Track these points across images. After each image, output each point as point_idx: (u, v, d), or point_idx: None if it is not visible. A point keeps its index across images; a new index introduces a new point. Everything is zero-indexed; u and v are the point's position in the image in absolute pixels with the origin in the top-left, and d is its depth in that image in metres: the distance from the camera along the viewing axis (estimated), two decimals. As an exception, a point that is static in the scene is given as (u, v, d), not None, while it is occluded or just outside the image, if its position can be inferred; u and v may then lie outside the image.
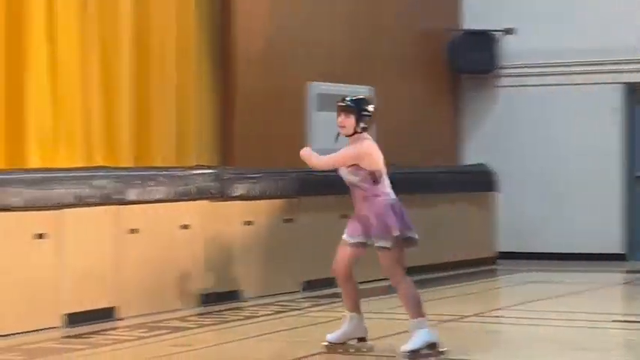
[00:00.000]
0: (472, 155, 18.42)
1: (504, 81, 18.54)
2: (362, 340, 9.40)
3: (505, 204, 17.52)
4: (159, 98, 13.68)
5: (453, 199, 16.46)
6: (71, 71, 12.57)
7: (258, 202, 13.11)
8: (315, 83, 15.78)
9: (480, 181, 17.22)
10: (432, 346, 9.09)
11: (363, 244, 9.33)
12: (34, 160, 12.01)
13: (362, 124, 9.17)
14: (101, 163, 12.72)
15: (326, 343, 9.31)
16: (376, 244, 9.16)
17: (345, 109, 9.14)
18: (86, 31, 12.78)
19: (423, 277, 14.97)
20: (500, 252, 17.47)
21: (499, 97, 18.64)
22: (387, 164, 9.38)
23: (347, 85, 16.27)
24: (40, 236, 10.61)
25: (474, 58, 18.39)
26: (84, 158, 12.65)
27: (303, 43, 15.60)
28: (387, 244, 9.08)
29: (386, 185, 9.28)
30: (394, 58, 17.39)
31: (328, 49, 16.04)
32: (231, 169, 13.39)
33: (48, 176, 10.92)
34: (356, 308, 9.42)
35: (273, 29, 15.18)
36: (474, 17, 18.53)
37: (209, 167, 13.17)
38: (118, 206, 11.41)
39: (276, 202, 13.39)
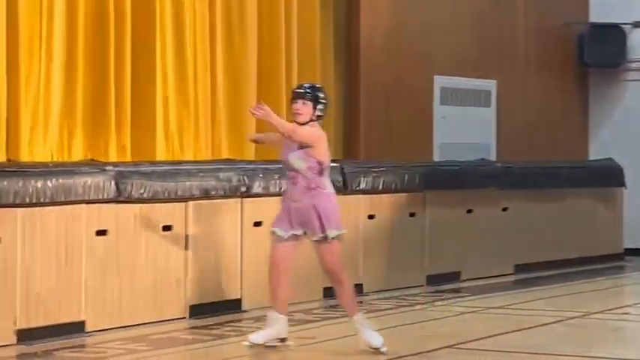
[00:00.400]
0: (599, 150, 18.18)
1: (633, 75, 18.27)
2: (283, 340, 9.24)
3: (631, 200, 17.27)
4: (283, 93, 13.75)
5: (580, 194, 16.27)
6: (199, 70, 12.73)
7: (381, 195, 13.10)
8: (440, 77, 15.73)
9: (606, 177, 16.99)
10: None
11: (298, 237, 9.12)
12: (160, 154, 12.19)
13: (317, 112, 8.89)
14: (227, 157, 12.86)
15: (248, 344, 9.08)
16: (329, 235, 8.90)
17: (302, 96, 8.89)
18: (214, 30, 12.92)
19: (550, 272, 14.89)
20: (626, 249, 17.23)
21: (627, 91, 18.38)
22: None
23: (470, 79, 16.23)
24: (168, 228, 10.76)
25: (602, 52, 18.15)
26: (210, 151, 12.80)
27: (427, 38, 15.56)
28: (339, 234, 8.93)
29: (328, 180, 9.12)
30: (520, 51, 17.26)
31: (452, 44, 15.97)
32: (356, 162, 13.42)
33: (175, 169, 11.06)
34: (286, 309, 9.27)
35: (397, 24, 15.17)
36: (601, 10, 18.28)
37: (334, 161, 13.18)
38: (242, 199, 11.50)
39: (400, 196, 13.36)
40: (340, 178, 12.56)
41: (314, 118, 8.87)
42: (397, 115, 15.03)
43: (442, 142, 15.80)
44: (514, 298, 12.61)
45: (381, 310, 11.56)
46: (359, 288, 12.63)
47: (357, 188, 12.76)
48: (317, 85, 9.06)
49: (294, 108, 8.84)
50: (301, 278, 11.98)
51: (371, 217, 12.97)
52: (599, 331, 10.69)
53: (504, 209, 14.81)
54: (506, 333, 10.07)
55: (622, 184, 17.15)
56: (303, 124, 8.84)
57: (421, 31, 15.48)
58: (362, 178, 12.84)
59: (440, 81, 15.75)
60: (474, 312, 11.65)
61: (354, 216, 12.72)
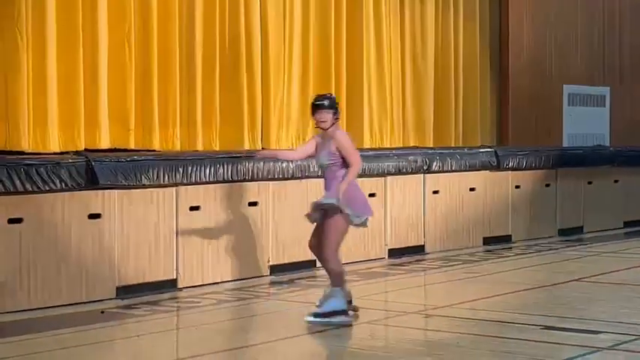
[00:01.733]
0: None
1: None
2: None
3: None
4: (453, 97, 13.67)
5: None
6: (395, 79, 12.76)
7: (524, 172, 12.89)
8: (568, 85, 15.38)
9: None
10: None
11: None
12: (367, 142, 12.27)
13: (336, 117, 7.44)
14: (413, 144, 12.86)
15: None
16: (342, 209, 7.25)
17: (321, 107, 7.40)
18: (404, 47, 12.92)
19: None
20: None
21: None
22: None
23: (589, 87, 15.81)
24: (372, 195, 10.80)
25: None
26: (401, 140, 12.83)
27: (558, 55, 15.22)
28: (350, 214, 7.27)
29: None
30: (629, 64, 16.68)
31: (577, 58, 15.58)
32: (506, 147, 13.24)
33: (377, 154, 11.11)
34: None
35: (536, 46, 14.89)
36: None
37: (490, 147, 13.06)
38: (425, 175, 11.48)
39: (538, 172, 13.12)
40: (495, 159, 12.41)
41: (335, 121, 7.45)
42: (537, 113, 14.76)
43: (570, 133, 15.45)
44: (624, 245, 12.28)
45: (525, 254, 11.41)
46: (508, 238, 12.49)
47: (507, 166, 12.59)
48: (330, 95, 7.58)
49: (317, 118, 7.41)
50: (463, 229, 11.93)
51: (517, 187, 12.79)
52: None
53: (615, 181, 14.39)
54: (618, 270, 9.82)
55: None
56: (326, 129, 7.39)
57: (553, 52, 15.15)
58: (510, 159, 12.67)
59: (568, 88, 15.39)
60: (594, 255, 11.40)
61: (505, 186, 12.58)
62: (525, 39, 14.71)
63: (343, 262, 8.46)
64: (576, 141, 15.33)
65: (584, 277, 9.31)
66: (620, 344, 6.23)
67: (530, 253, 11.52)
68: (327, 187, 7.38)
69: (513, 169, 12.71)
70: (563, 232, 13.33)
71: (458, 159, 11.91)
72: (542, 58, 14.99)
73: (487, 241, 12.22)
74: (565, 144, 15.23)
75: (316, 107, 7.41)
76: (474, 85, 14.00)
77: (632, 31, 16.72)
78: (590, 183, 13.91)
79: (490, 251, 11.61)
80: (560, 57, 15.28)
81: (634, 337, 6.41)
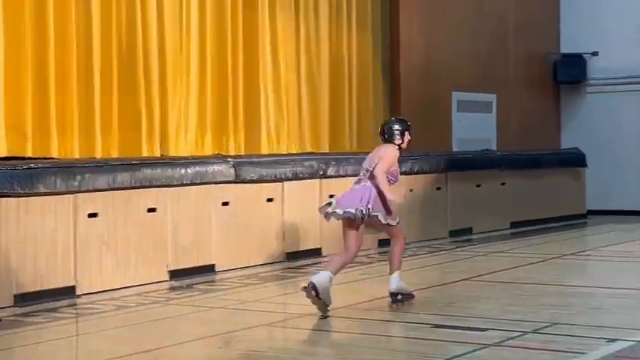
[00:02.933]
0: (568, 141, 18.00)
1: (591, 89, 18.06)
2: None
3: (591, 176, 17.08)
4: (347, 103, 13.75)
5: (555, 173, 16.11)
6: (290, 87, 12.76)
7: (417, 176, 13.05)
8: (457, 92, 15.65)
9: (574, 160, 16.80)
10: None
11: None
12: (264, 148, 12.23)
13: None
14: (309, 150, 12.89)
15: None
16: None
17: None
18: (299, 53, 12.93)
19: (533, 227, 14.78)
20: (588, 210, 17.04)
21: (587, 100, 18.15)
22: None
23: (477, 94, 16.12)
24: (270, 200, 10.80)
25: (570, 73, 17.95)
26: (298, 146, 12.84)
27: (448, 64, 15.48)
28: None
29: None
30: (514, 73, 17.10)
31: (465, 67, 15.87)
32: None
33: (274, 159, 11.09)
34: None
35: (426, 53, 15.10)
36: (569, 44, 18.10)
37: (383, 152, 13.16)
38: (321, 180, 11.51)
39: (430, 176, 13.31)
40: (388, 164, 12.52)
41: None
42: (428, 119, 14.95)
43: (459, 138, 15.72)
44: (510, 245, 12.55)
45: (417, 255, 11.54)
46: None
47: (400, 171, 12.68)
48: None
49: (406, 139, 7.96)
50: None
51: (410, 190, 12.92)
52: (570, 267, 10.61)
53: (502, 184, 14.71)
54: (505, 269, 10.02)
55: (584, 165, 16.95)
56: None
57: (443, 59, 15.40)
58: (403, 164, 12.77)
59: (457, 95, 15.66)
60: (482, 255, 11.62)
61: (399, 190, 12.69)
62: (416, 46, 14.90)
63: (240, 267, 8.44)
64: (465, 146, 15.61)
65: (473, 277, 9.46)
66: (507, 340, 6.36)
67: (422, 253, 11.66)
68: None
69: (406, 173, 12.83)
70: (453, 233, 13.54)
71: (353, 163, 11.97)
72: (433, 65, 15.22)
73: (382, 243, 12.30)
74: (455, 149, 15.48)
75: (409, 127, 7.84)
76: (368, 91, 14.11)
77: (517, 40, 17.15)
78: (478, 186, 14.18)
79: (384, 253, 11.67)
80: (450, 64, 15.54)
81: (520, 334, 6.54)
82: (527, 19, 17.42)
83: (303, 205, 11.16)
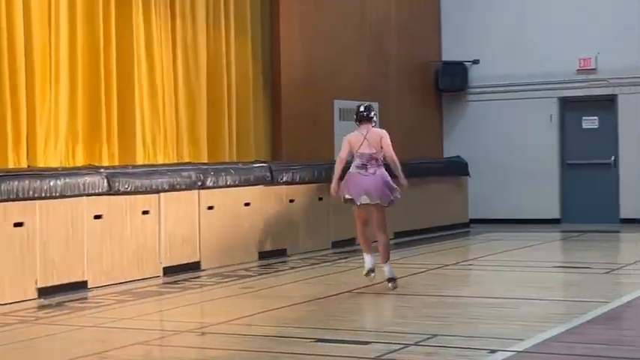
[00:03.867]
0: (450, 149, 18.37)
1: (472, 97, 18.48)
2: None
3: (473, 184, 17.47)
4: (227, 112, 13.66)
5: (438, 181, 16.41)
6: (167, 93, 12.59)
7: (298, 186, 13.08)
8: (338, 100, 15.76)
9: (456, 168, 17.16)
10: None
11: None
12: (140, 158, 12.04)
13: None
14: (188, 160, 12.75)
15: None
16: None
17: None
18: (176, 59, 12.77)
19: (416, 237, 14.99)
20: (471, 219, 17.41)
21: (469, 108, 18.57)
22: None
23: (360, 102, 16.24)
24: (146, 212, 10.64)
25: (451, 81, 18.34)
26: (175, 156, 12.68)
27: (329, 72, 15.58)
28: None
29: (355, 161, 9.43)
30: (396, 82, 17.35)
31: (347, 76, 16.01)
32: (279, 162, 13.39)
33: (150, 170, 10.93)
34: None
35: (307, 61, 15.16)
36: (450, 52, 18.48)
37: (264, 162, 13.17)
38: (199, 190, 11.41)
39: (311, 186, 13.35)
40: (269, 174, 12.53)
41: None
42: (309, 128, 15.02)
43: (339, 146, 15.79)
44: (394, 256, 12.58)
45: (300, 267, 11.54)
46: (283, 252, 12.63)
47: (281, 181, 12.74)
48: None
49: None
50: (239, 244, 11.97)
51: (291, 201, 12.96)
52: (452, 277, 10.78)
53: (385, 193, 14.84)
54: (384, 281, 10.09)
55: (467, 174, 17.33)
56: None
57: (324, 67, 15.49)
58: (284, 174, 12.83)
59: (338, 103, 15.77)
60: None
61: (279, 201, 12.72)
62: (296, 53, 14.95)
63: (115, 283, 8.23)
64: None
65: (355, 289, 9.49)
66: (389, 353, 6.40)
67: (305, 266, 11.66)
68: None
69: (287, 183, 12.87)
70: (336, 244, 13.61)
71: (232, 174, 11.93)
72: (314, 72, 15.30)
73: (263, 255, 12.29)
74: (336, 157, 15.53)
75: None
76: (247, 99, 14.06)
77: (399, 48, 17.41)
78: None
79: (266, 265, 11.68)
80: (331, 72, 15.65)
81: (402, 346, 6.60)
82: (409, 28, 17.71)
83: (180, 218, 11.03)
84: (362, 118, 9.42)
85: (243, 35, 14.01)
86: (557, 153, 17.83)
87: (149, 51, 12.27)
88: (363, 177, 9.27)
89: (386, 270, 9.39)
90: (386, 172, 9.37)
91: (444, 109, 18.80)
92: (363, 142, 9.29)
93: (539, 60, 17.72)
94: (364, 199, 9.29)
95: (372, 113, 9.44)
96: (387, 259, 9.36)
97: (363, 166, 9.27)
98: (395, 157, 9.31)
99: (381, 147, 9.27)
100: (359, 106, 9.51)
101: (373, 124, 9.47)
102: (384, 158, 9.33)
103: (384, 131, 9.44)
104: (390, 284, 9.31)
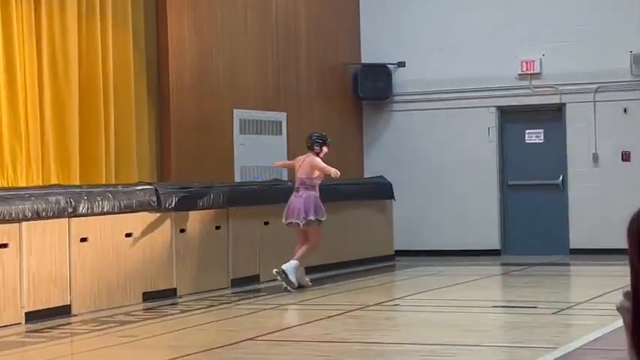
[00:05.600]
0: (372, 168, 18.48)
1: (398, 106, 18.64)
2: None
3: (399, 209, 17.60)
4: (103, 125, 13.51)
5: (357, 205, 16.50)
6: (31, 105, 12.39)
7: (191, 212, 13.01)
8: (239, 110, 15.75)
9: (379, 191, 17.29)
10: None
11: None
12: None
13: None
14: (55, 182, 12.55)
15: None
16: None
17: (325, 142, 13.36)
18: (41, 65, 12.59)
19: (332, 273, 15.03)
20: (396, 250, 17.53)
21: (394, 120, 18.72)
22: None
23: (264, 112, 16.28)
24: (4, 246, 10.44)
25: (372, 87, 18.48)
26: (41, 178, 12.48)
27: (228, 75, 15.56)
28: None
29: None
30: (305, 88, 17.42)
31: (248, 80, 16.01)
32: (168, 184, 13.30)
33: (9, 194, 10.74)
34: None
35: (201, 65, 15.11)
36: (372, 52, 18.62)
37: (149, 183, 13.05)
38: (70, 219, 11.25)
39: (207, 212, 13.30)
40: (155, 198, 12.43)
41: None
42: (204, 143, 14.96)
43: (242, 165, 15.81)
44: (305, 295, 12.69)
45: (193, 311, 11.47)
46: (172, 292, 12.54)
47: (170, 206, 12.64)
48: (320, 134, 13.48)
49: (324, 151, 13.36)
50: (118, 284, 11.84)
51: (182, 230, 12.87)
52: (375, 320, 10.82)
53: (295, 220, 14.86)
54: (299, 325, 10.10)
55: (391, 196, 17.46)
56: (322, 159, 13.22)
57: (221, 71, 15.46)
58: (174, 198, 12.73)
59: (239, 113, 15.75)
60: (271, 308, 11.67)
61: (167, 230, 12.62)
62: (188, 53, 14.88)
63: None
64: (250, 175, 15.72)
65: (260, 336, 9.48)
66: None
67: (198, 309, 11.59)
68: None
69: (177, 209, 12.77)
70: (237, 283, 13.56)
71: (110, 199, 11.79)
72: (209, 76, 15.25)
73: (148, 296, 12.16)
74: (237, 178, 15.56)
75: (324, 141, 13.41)
76: (129, 110, 13.91)
77: (310, 48, 17.49)
78: (266, 224, 14.29)
79: (151, 309, 11.58)
80: (230, 76, 15.63)
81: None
82: (322, 24, 17.83)
83: (47, 252, 10.86)
84: (307, 145, 13.34)
85: (124, 35, 13.87)
86: (497, 172, 18.10)
87: (9, 56, 12.06)
88: (295, 198, 13.03)
89: (286, 264, 12.65)
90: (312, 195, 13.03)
91: (364, 121, 18.94)
92: (300, 166, 13.09)
93: (476, 63, 17.98)
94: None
95: (311, 142, 13.29)
96: (297, 258, 12.85)
97: (297, 189, 13.15)
98: (319, 163, 13.12)
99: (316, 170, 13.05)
100: (311, 134, 13.48)
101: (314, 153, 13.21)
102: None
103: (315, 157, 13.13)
104: (278, 276, 12.69)
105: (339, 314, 10.92)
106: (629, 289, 2.97)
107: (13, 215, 10.51)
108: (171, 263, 12.61)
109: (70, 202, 11.24)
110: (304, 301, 12.15)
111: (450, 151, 18.14)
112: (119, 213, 11.88)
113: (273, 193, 14.50)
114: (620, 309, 2.99)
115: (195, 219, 13.08)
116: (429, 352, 8.62)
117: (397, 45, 18.50)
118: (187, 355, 8.49)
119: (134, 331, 10.03)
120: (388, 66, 18.55)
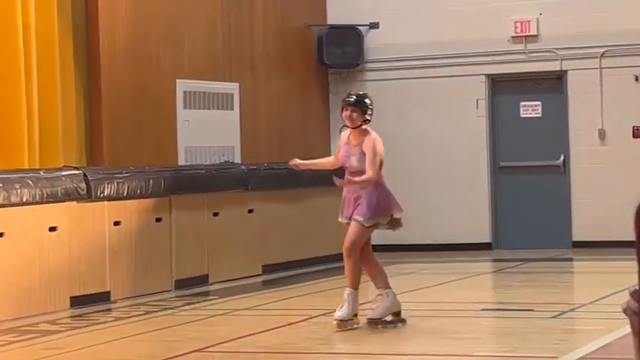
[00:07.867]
0: (341, 149, 18.45)
1: (370, 75, 18.64)
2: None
3: (374, 197, 17.60)
4: (24, 101, 13.45)
5: (321, 194, 16.40)
6: None
7: (126, 201, 12.98)
8: (183, 80, 15.70)
9: (348, 175, 17.27)
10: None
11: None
12: None
13: (366, 117, 10.49)
14: (-35, 167, 12.51)
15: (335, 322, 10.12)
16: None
17: (350, 104, 10.36)
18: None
19: (293, 272, 15.05)
20: (373, 245, 17.49)
21: (365, 90, 18.63)
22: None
23: (213, 82, 16.25)
24: None
25: (340, 53, 18.49)
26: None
27: (169, 40, 15.51)
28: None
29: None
30: (260, 54, 17.39)
31: (194, 47, 15.97)
32: (100, 168, 13.25)
33: None
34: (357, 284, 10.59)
35: (137, 28, 15.05)
36: (339, 13, 18.61)
37: (77, 168, 12.99)
38: (-15, 210, 11.23)
39: (146, 202, 13.27)
40: (84, 186, 12.39)
41: (362, 122, 10.46)
42: (141, 120, 14.92)
43: (187, 146, 15.78)
44: (262, 299, 12.69)
45: (130, 317, 11.47)
46: (106, 296, 12.52)
47: (102, 195, 12.60)
48: (362, 94, 10.84)
49: (344, 115, 10.43)
50: (40, 287, 11.81)
51: (117, 223, 12.84)
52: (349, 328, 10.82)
53: (250, 211, 14.88)
54: (255, 334, 10.11)
55: (364, 181, 17.44)
56: (353, 128, 10.48)
57: (161, 36, 15.41)
58: (106, 185, 12.69)
59: (182, 84, 15.71)
60: (222, 314, 11.68)
61: (99, 223, 12.58)
62: (122, 19, 14.83)
63: None
64: (196, 157, 15.69)
65: (209, 346, 9.49)
66: None
67: (136, 316, 11.59)
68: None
69: (111, 198, 12.74)
70: (181, 284, 13.56)
71: (31, 186, 11.75)
72: (147, 44, 15.21)
73: (76, 301, 12.14)
74: (181, 161, 15.53)
75: (344, 103, 10.40)
76: (53, 82, 13.86)
77: (265, 9, 17.46)
78: (216, 214, 14.28)
79: (80, 316, 11.57)
80: (172, 43, 15.59)
81: None
82: (281, -22, 17.82)
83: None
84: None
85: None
86: (487, 152, 18.15)
87: None
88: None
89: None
90: None
91: (330, 92, 18.95)
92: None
93: (461, 23, 18.02)
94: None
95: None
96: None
97: None
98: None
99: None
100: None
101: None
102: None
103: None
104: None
105: (300, 320, 10.94)
106: (636, 287, 2.97)
107: None
108: (103, 262, 12.58)
109: (-15, 191, 11.20)
110: (260, 305, 12.14)
111: (432, 128, 18.17)
112: (41, 203, 11.85)
113: (223, 179, 14.49)
114: (626, 311, 2.99)
115: (131, 209, 13.06)
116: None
117: (369, 3, 18.50)
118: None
119: (59, 342, 10.03)
120: (358, 28, 18.55)
